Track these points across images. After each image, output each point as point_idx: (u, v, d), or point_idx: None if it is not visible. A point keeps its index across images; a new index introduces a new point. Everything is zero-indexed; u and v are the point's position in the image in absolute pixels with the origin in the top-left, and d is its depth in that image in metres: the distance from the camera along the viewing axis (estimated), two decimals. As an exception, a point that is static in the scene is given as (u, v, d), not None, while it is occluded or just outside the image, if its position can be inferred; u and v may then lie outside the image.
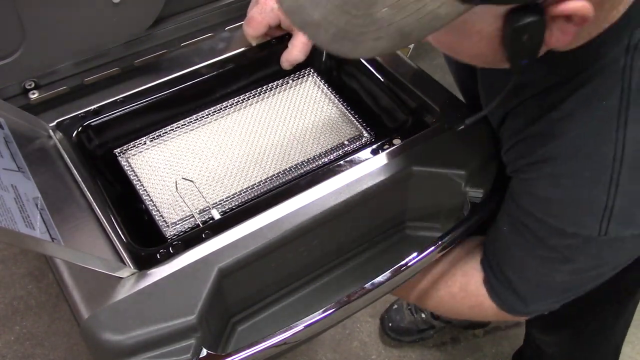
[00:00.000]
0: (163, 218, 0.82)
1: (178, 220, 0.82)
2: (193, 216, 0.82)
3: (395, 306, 1.61)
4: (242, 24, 1.02)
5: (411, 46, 2.14)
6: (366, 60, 0.98)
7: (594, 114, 0.64)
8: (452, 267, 0.87)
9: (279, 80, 1.00)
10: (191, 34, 1.02)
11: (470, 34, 0.56)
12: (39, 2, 0.82)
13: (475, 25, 0.55)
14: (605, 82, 0.63)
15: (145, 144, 0.91)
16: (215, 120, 0.95)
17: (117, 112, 0.90)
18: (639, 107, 0.61)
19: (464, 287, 0.85)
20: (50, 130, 0.86)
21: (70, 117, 0.88)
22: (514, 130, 0.74)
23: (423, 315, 1.57)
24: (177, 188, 0.85)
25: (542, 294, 0.78)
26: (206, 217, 0.82)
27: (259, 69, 1.00)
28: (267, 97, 0.98)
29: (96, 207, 0.76)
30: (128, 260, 0.71)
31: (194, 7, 1.02)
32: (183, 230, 0.81)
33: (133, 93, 0.92)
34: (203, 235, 0.75)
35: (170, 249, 0.73)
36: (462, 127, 0.73)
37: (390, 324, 1.59)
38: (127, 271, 0.70)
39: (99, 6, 0.87)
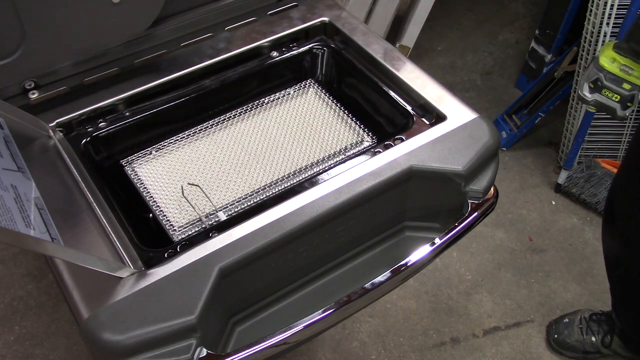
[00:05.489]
0: (170, 222, 0.83)
1: (185, 224, 0.83)
2: (200, 219, 0.82)
3: (566, 320, 1.58)
4: (242, 24, 1.03)
5: (411, 46, 2.14)
6: (366, 65, 0.98)
7: None
8: None
9: (281, 91, 1.01)
10: (191, 34, 1.02)
11: None
12: (39, 2, 0.82)
13: None
14: None
15: (151, 154, 0.92)
16: (220, 130, 0.95)
17: (124, 124, 0.91)
18: None
19: None
20: (50, 131, 0.86)
21: (74, 122, 0.89)
22: None
23: (593, 339, 1.53)
24: (182, 193, 0.85)
25: None
26: (213, 220, 0.83)
27: (261, 81, 1.01)
28: (270, 108, 0.99)
29: (96, 207, 0.76)
30: (128, 260, 0.71)
31: (194, 7, 1.02)
32: (190, 233, 0.81)
33: (139, 100, 0.93)
34: (210, 235, 0.75)
35: (178, 248, 0.74)
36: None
37: (556, 335, 1.57)
38: (126, 271, 0.70)
39: (99, 6, 0.87)
